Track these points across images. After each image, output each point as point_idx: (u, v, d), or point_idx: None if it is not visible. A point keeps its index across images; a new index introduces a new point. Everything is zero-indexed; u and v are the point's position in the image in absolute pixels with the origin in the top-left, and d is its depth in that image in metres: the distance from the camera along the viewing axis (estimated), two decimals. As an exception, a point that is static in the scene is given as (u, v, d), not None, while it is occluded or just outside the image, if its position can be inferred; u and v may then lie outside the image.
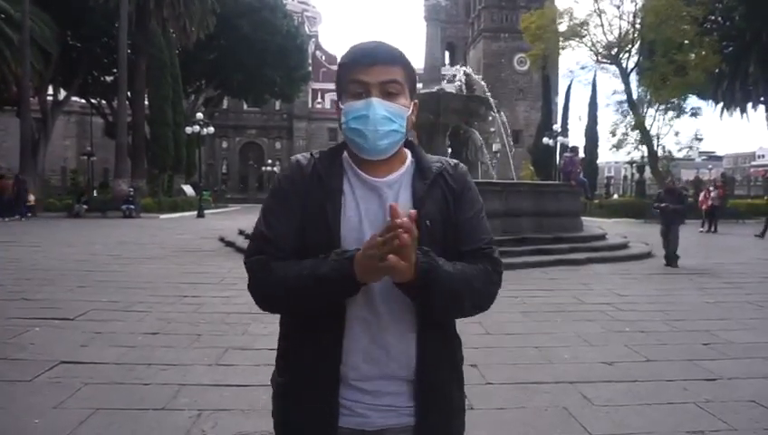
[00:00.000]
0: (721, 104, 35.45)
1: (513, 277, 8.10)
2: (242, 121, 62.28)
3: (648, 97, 28.58)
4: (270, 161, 58.26)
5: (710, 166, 72.51)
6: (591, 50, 28.38)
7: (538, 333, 5.26)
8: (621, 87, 28.98)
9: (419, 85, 14.13)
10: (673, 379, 3.95)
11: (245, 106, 59.39)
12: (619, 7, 27.53)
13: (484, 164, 14.65)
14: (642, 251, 11.83)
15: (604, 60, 28.57)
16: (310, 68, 51.42)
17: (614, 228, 16.89)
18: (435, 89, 13.24)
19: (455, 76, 16.22)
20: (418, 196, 1.24)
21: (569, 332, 5.29)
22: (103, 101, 38.04)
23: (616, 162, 67.63)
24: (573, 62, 62.04)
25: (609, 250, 11.42)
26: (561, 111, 42.44)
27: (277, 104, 59.48)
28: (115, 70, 31.03)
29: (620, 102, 30.00)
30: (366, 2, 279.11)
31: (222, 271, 8.88)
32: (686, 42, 25.93)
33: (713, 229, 18.82)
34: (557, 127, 33.73)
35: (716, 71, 26.99)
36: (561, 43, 28.79)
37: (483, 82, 17.62)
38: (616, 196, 42.68)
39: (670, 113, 29.16)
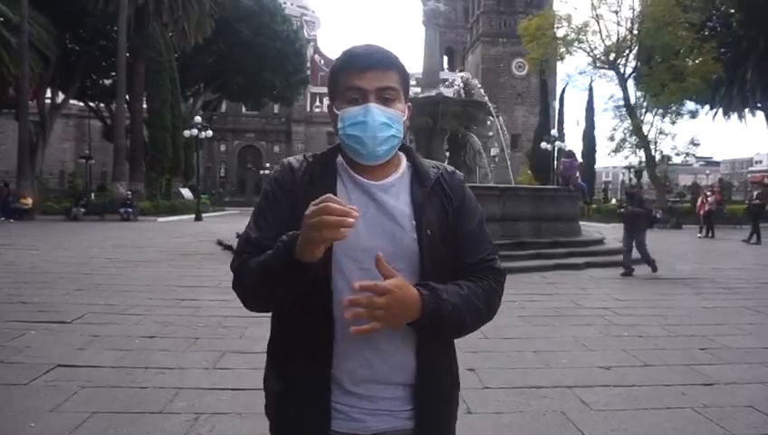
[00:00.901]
0: (718, 109, 35.59)
1: (512, 282, 8.00)
2: (240, 125, 62.36)
3: (646, 102, 28.65)
4: (268, 165, 58.31)
5: (708, 171, 72.75)
6: (590, 55, 28.47)
7: (536, 338, 5.26)
8: (619, 92, 29.06)
9: (418, 90, 14.21)
10: (671, 384, 3.95)
11: (244, 109, 59.52)
12: (617, 13, 27.63)
13: (483, 168, 14.68)
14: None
15: (602, 65, 28.64)
16: (308, 72, 51.51)
17: (612, 233, 16.88)
18: (433, 93, 13.26)
19: (453, 81, 16.26)
20: (417, 202, 1.23)
21: (567, 336, 5.29)
22: (102, 105, 38.05)
23: (614, 167, 67.86)
24: (572, 68, 62.47)
25: (607, 255, 11.43)
26: (557, 116, 42.59)
27: (276, 108, 59.62)
28: (113, 73, 31.09)
29: (618, 107, 30.09)
30: (364, 6, 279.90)
31: (219, 274, 8.85)
32: (684, 48, 26.01)
33: (710, 235, 18.85)
34: (554, 132, 33.83)
35: (714, 77, 27.06)
36: (559, 49, 28.87)
37: (481, 87, 17.67)
38: (614, 200, 42.79)
39: (668, 118, 29.25)
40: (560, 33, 28.53)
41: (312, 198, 1.18)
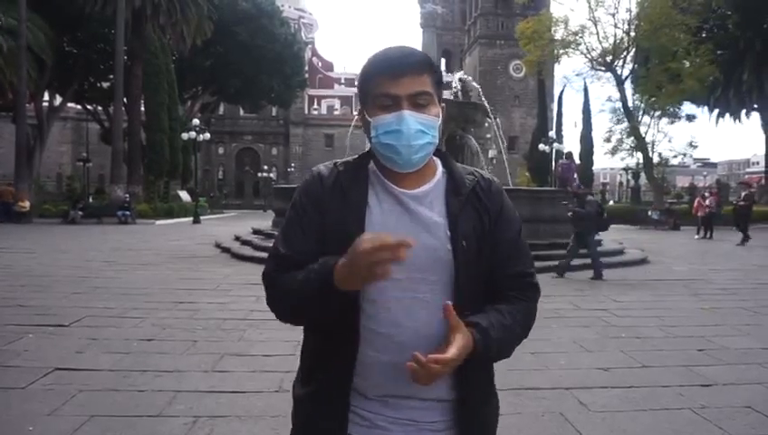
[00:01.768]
0: (715, 111, 35.72)
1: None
2: (238, 127, 62.37)
3: (643, 104, 28.73)
4: (266, 167, 58.33)
5: (705, 173, 72.99)
6: (587, 57, 28.54)
7: (534, 339, 5.21)
8: (616, 94, 29.14)
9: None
10: (668, 385, 3.95)
11: (242, 112, 59.48)
12: (614, 15, 27.70)
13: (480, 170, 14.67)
14: (637, 257, 11.87)
15: (599, 67, 28.71)
16: (306, 75, 51.61)
17: (610, 235, 16.90)
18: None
19: (450, 83, 16.27)
20: (453, 212, 1.19)
21: (565, 337, 5.30)
22: (99, 107, 38.07)
23: (611, 169, 68.00)
24: (569, 69, 62.63)
25: (604, 256, 11.43)
26: (555, 118, 42.69)
27: (274, 110, 59.61)
28: (111, 76, 31.09)
29: (615, 109, 30.17)
30: (362, 9, 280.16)
31: (218, 277, 8.86)
32: (681, 50, 26.09)
33: (709, 236, 18.89)
34: (552, 133, 33.91)
35: (711, 78, 27.16)
36: (556, 51, 28.93)
37: (479, 88, 17.69)
38: (611, 202, 42.90)
39: (665, 120, 29.37)
40: (557, 35, 28.58)
41: (341, 206, 1.18)
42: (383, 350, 1.16)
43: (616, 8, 27.73)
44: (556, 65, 37.04)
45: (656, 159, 30.36)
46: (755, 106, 33.07)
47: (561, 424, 3.28)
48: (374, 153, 1.23)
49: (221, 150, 62.21)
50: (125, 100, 30.52)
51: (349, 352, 1.16)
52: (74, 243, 14.81)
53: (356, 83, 1.26)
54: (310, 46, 63.83)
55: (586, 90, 38.27)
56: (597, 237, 9.79)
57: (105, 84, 34.88)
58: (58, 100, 34.56)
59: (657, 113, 28.67)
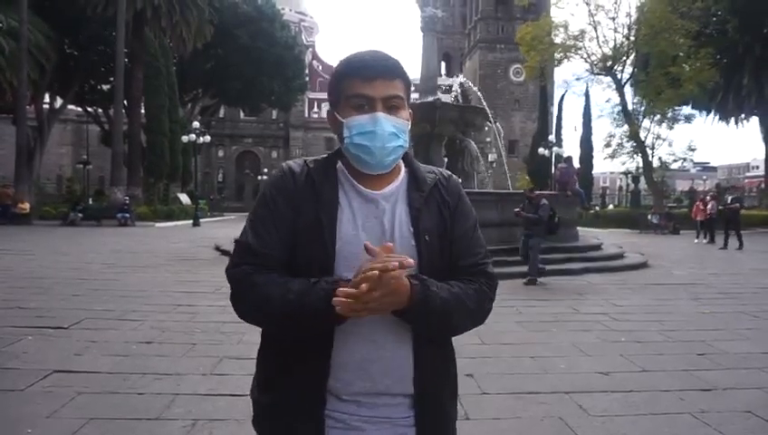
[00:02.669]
0: (715, 115, 35.75)
1: (510, 287, 8.10)
2: (238, 130, 62.40)
3: (643, 108, 28.77)
4: (266, 170, 58.28)
5: (705, 176, 73.01)
6: (587, 62, 28.59)
7: (534, 343, 5.25)
8: (617, 98, 29.18)
9: (416, 96, 14.24)
10: (669, 389, 3.95)
11: (242, 115, 59.58)
12: (614, 20, 27.74)
13: (480, 174, 14.68)
14: (638, 261, 11.86)
15: (599, 71, 28.76)
16: (307, 78, 51.67)
17: (610, 238, 16.93)
18: (431, 99, 13.29)
19: (451, 86, 16.29)
20: (415, 207, 1.22)
21: (565, 342, 5.29)
22: (99, 110, 38.09)
23: (611, 172, 68.01)
24: (569, 73, 62.70)
25: (604, 260, 11.45)
26: (555, 122, 42.72)
27: (274, 113, 59.72)
28: (112, 78, 31.12)
29: (615, 113, 30.20)
30: (362, 12, 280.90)
31: (217, 280, 8.82)
32: (681, 54, 26.13)
33: (709, 240, 18.87)
34: (552, 137, 33.93)
35: (710, 83, 27.21)
36: (556, 55, 28.98)
37: (479, 92, 17.72)
38: (611, 206, 42.91)
39: (665, 124, 29.37)
40: (557, 40, 28.63)
41: (313, 204, 1.18)
42: (355, 347, 1.17)
43: (616, 13, 27.81)
44: (556, 69, 37.11)
45: (656, 163, 30.38)
46: (755, 110, 33.09)
47: (560, 428, 3.28)
48: (344, 153, 1.24)
49: (221, 153, 62.23)
50: (125, 102, 30.56)
51: (323, 353, 1.17)
52: (74, 245, 14.81)
53: (328, 85, 1.29)
54: (310, 49, 64.00)
55: (587, 94, 38.37)
56: (543, 244, 9.46)
57: (105, 86, 34.93)
58: (58, 102, 34.60)
59: (657, 117, 28.69)
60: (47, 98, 33.22)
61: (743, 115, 34.83)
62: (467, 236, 1.27)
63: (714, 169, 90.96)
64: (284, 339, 1.21)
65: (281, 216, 1.20)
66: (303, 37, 59.29)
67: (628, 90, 28.96)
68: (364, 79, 1.18)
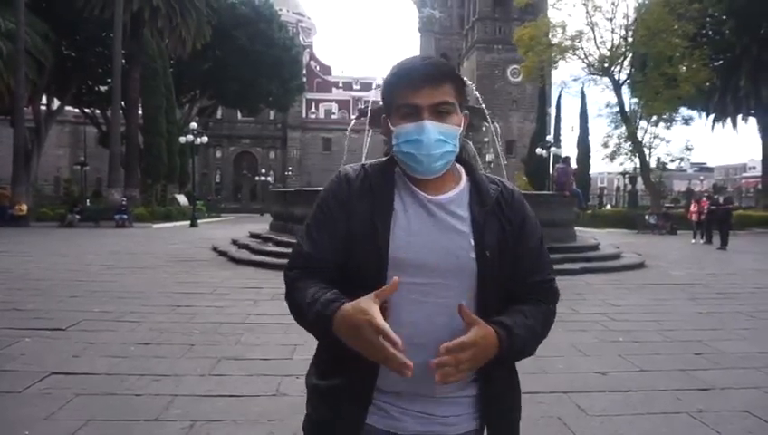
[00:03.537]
0: (712, 116, 35.85)
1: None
2: (236, 131, 62.36)
3: (640, 109, 28.82)
4: (264, 171, 58.28)
5: (702, 177, 73.17)
6: (584, 62, 28.63)
7: (532, 344, 5.24)
8: (614, 99, 29.23)
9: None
10: (666, 389, 3.95)
11: (240, 116, 59.57)
12: (611, 20, 27.79)
13: (478, 174, 14.67)
14: (635, 261, 11.88)
15: (596, 72, 28.81)
16: (304, 78, 51.71)
17: (607, 239, 16.96)
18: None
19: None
20: (478, 222, 1.21)
21: (563, 342, 5.29)
22: (97, 111, 38.07)
23: (609, 173, 68.18)
24: (567, 74, 62.63)
25: (602, 260, 11.46)
26: (553, 122, 42.79)
27: (271, 114, 59.70)
28: (109, 79, 31.10)
29: (613, 113, 30.24)
30: (360, 13, 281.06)
31: (215, 281, 8.84)
32: (678, 55, 26.18)
33: (706, 240, 18.90)
34: (550, 138, 33.97)
35: (707, 84, 27.28)
36: (554, 56, 29.01)
37: (477, 93, 17.71)
38: (609, 206, 43.02)
39: (662, 124, 29.42)
40: (554, 40, 28.67)
41: (369, 208, 1.19)
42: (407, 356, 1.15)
43: (613, 14, 27.84)
44: (553, 70, 37.16)
45: (653, 163, 30.43)
46: (752, 111, 33.19)
47: (559, 428, 3.28)
48: (397, 161, 1.25)
49: (219, 154, 62.20)
50: (123, 103, 30.54)
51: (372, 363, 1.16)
52: (71, 246, 14.78)
53: (380, 94, 1.30)
54: (308, 50, 63.93)
55: (583, 94, 38.42)
56: None
57: (103, 88, 34.91)
58: (56, 103, 34.53)
59: (654, 118, 28.75)
60: (44, 99, 33.14)
61: (740, 116, 34.93)
62: (535, 253, 1.28)
63: (710, 169, 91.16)
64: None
65: (334, 221, 1.21)
66: (301, 38, 59.28)
67: (625, 90, 29.03)
68: (412, 87, 1.18)
